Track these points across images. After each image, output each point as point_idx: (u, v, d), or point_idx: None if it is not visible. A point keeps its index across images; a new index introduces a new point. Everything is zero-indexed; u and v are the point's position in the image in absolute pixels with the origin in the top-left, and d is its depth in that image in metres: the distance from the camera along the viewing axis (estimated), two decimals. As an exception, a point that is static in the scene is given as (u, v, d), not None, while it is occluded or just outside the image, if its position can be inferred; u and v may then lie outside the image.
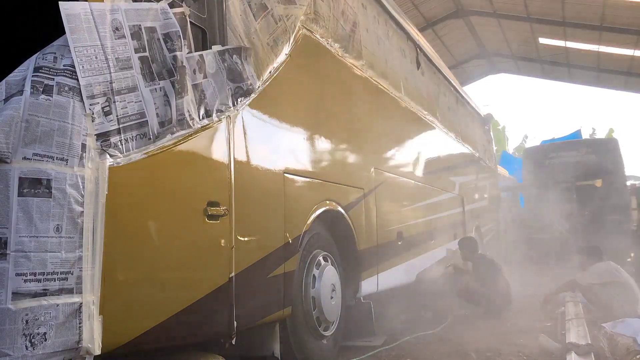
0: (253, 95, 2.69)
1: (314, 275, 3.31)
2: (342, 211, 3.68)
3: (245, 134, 2.65)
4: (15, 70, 1.81)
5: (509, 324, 5.07)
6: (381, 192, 4.42)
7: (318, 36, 3.60)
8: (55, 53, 1.85)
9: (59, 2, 1.87)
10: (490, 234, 9.07)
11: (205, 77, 2.37)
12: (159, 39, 2.14)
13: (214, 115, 2.40)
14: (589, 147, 13.14)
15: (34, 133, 1.73)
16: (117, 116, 1.95)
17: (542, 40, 16.22)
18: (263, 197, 2.82)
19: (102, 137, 1.89)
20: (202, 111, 2.33)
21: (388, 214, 4.65)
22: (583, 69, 17.84)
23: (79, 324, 1.75)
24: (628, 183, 13.61)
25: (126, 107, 1.98)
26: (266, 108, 2.87)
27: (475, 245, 6.25)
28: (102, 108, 1.91)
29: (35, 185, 1.71)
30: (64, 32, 1.87)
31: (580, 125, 54.05)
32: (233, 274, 2.46)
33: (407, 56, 5.74)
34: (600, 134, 23.92)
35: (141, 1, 2.15)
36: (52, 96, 1.79)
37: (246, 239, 2.60)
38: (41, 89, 1.78)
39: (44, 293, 1.69)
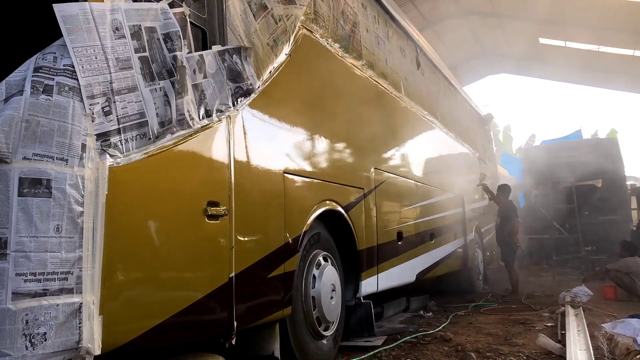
0: (253, 95, 2.70)
1: (314, 275, 3.32)
2: (342, 211, 3.68)
3: (245, 134, 2.65)
4: (16, 71, 1.81)
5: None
6: (381, 192, 4.43)
7: (318, 36, 3.60)
8: (55, 53, 1.85)
9: (53, 5, 1.87)
10: (490, 234, 9.07)
11: (205, 77, 2.37)
12: (159, 39, 2.14)
13: (214, 115, 2.40)
14: (589, 147, 13.13)
15: (34, 133, 1.73)
16: (117, 116, 1.95)
17: (542, 40, 16.23)
18: (263, 197, 2.82)
19: (102, 137, 1.89)
20: (202, 111, 2.33)
21: (388, 214, 4.65)
22: (583, 69, 17.82)
23: (79, 324, 1.75)
24: (628, 183, 13.61)
25: (126, 107, 1.98)
26: (266, 108, 2.87)
27: (509, 191, 8.20)
28: (102, 108, 1.91)
29: (35, 185, 1.71)
30: (63, 33, 1.87)
31: (581, 125, 54.00)
32: (233, 274, 2.46)
33: (407, 56, 5.74)
34: (603, 135, 23.87)
35: (141, 1, 2.15)
36: (52, 96, 1.79)
37: (246, 239, 2.60)
38: (41, 89, 1.78)
39: (44, 293, 1.69)
